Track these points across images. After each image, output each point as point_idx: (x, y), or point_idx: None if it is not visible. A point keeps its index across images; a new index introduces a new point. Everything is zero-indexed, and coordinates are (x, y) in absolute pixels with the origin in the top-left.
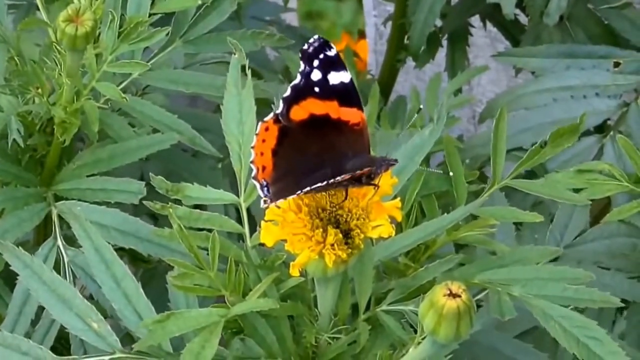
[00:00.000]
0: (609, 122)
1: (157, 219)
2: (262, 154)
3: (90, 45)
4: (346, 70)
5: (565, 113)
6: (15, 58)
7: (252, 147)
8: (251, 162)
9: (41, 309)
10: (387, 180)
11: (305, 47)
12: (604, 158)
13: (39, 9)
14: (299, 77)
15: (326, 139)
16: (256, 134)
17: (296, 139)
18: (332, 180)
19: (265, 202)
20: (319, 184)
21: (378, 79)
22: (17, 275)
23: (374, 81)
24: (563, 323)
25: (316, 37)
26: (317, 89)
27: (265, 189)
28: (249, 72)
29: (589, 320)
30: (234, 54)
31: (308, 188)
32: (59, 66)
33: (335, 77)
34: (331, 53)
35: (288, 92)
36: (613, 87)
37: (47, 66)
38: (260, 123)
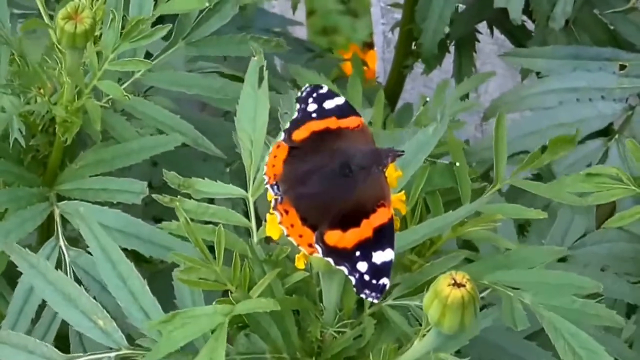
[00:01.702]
0: (613, 125)
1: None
2: (273, 165)
3: (90, 43)
4: (339, 96)
5: (571, 116)
6: (17, 59)
7: (265, 165)
8: (264, 174)
9: (41, 307)
10: (391, 173)
11: (299, 94)
12: (609, 161)
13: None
14: (296, 114)
15: (330, 142)
16: (268, 153)
17: (304, 149)
18: None
19: (276, 202)
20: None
21: (385, 85)
22: (19, 273)
23: (380, 87)
24: (572, 342)
25: (306, 85)
26: (314, 115)
27: (276, 187)
28: (266, 73)
29: (597, 344)
30: (253, 57)
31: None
32: (60, 65)
33: (330, 103)
34: (323, 90)
35: (288, 125)
36: (618, 90)
37: (48, 65)
38: (271, 146)
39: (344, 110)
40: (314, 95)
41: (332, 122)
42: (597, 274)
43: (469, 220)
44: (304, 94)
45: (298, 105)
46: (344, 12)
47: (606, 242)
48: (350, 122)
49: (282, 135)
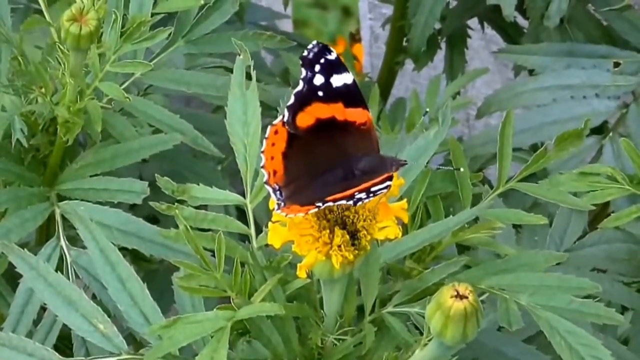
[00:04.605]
0: (607, 123)
1: (159, 221)
2: (272, 158)
3: (93, 45)
4: (348, 71)
5: (565, 113)
6: (19, 57)
7: (262, 152)
8: (262, 167)
9: (43, 308)
10: (393, 181)
11: (305, 53)
12: (603, 159)
13: (36, 12)
14: (301, 84)
15: (335, 140)
16: (265, 138)
17: (306, 141)
18: (353, 193)
19: (279, 206)
20: (340, 197)
21: (377, 81)
22: (20, 274)
23: (374, 83)
24: (568, 339)
25: (315, 42)
26: (320, 93)
27: (278, 192)
28: (253, 73)
29: (594, 339)
30: (239, 55)
31: (331, 204)
32: (62, 66)
33: (338, 80)
34: (331, 57)
35: (292, 100)
36: (613, 87)
37: (51, 66)
38: (269, 126)
39: (352, 96)
40: (322, 61)
41: (339, 111)
42: (594, 276)
43: (468, 226)
44: (311, 54)
45: (303, 71)
46: (312, 5)
47: (604, 243)
48: (357, 115)
49: (285, 114)
